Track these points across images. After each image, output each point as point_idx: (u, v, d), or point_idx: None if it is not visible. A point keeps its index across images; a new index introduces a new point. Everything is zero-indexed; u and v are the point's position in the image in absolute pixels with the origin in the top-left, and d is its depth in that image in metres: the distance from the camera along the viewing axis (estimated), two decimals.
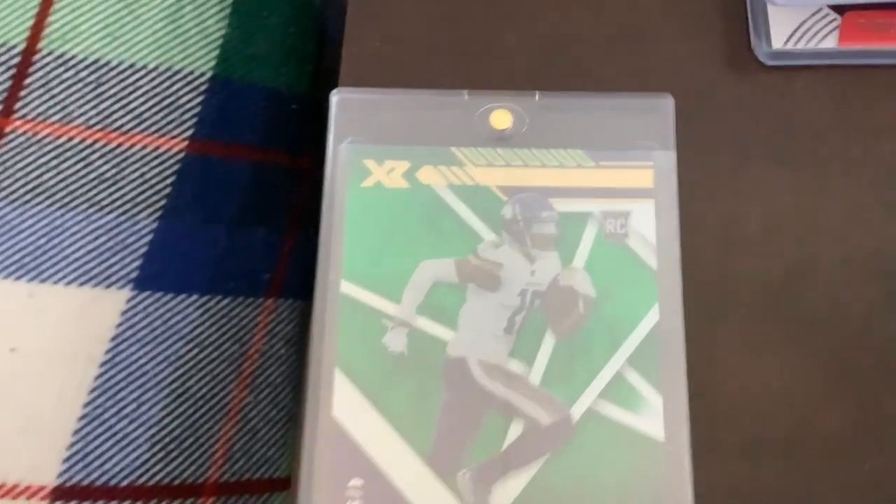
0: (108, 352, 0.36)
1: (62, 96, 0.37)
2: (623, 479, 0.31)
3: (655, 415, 0.31)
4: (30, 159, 0.36)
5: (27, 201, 0.36)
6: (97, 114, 0.37)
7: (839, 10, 0.37)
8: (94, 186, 0.37)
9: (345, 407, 0.31)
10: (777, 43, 0.36)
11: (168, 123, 0.38)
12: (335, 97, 0.35)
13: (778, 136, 0.37)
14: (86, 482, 0.35)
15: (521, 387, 0.32)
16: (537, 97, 0.35)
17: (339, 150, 0.34)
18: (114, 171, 0.37)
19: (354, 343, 0.32)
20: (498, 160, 0.34)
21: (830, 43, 0.36)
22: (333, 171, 0.34)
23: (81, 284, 0.36)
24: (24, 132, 0.36)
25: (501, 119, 0.34)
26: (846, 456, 0.34)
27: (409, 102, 0.35)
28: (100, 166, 0.37)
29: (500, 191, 0.34)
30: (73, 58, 0.37)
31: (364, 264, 0.33)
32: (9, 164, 0.36)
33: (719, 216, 0.36)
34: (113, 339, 0.36)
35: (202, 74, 0.39)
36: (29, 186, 0.36)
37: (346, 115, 0.34)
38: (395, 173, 0.34)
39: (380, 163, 0.34)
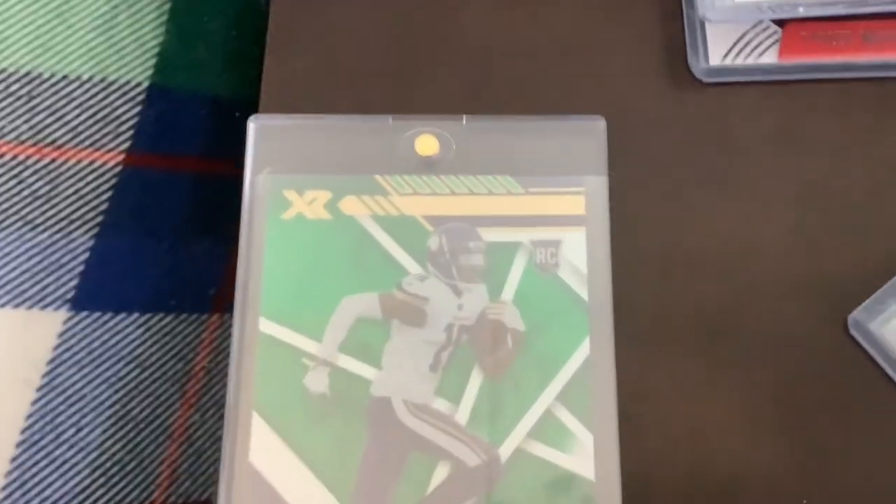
0: (44, 375, 0.35)
1: None
2: None
3: (586, 453, 0.30)
4: None
5: None
6: (29, 128, 0.36)
7: (780, 21, 0.35)
8: (28, 204, 0.36)
9: (262, 452, 0.30)
10: (715, 59, 0.35)
11: (104, 136, 0.37)
12: (252, 124, 0.33)
13: (715, 156, 0.35)
14: None
15: (448, 427, 0.31)
16: (464, 121, 0.33)
17: (257, 182, 0.33)
18: (48, 187, 0.36)
19: (273, 384, 0.31)
20: (424, 188, 0.33)
21: (771, 57, 0.35)
22: (252, 204, 0.32)
23: (16, 306, 0.35)
24: None
25: (427, 145, 0.33)
26: (786, 493, 0.32)
27: (330, 128, 0.33)
28: (33, 183, 0.36)
29: (426, 220, 0.32)
30: (2, 71, 0.36)
31: (284, 301, 0.32)
32: None
33: (655, 241, 0.35)
34: (50, 361, 0.35)
35: (139, 84, 0.38)
36: None
37: (264, 143, 0.33)
38: (317, 204, 0.33)
39: (300, 193, 0.33)
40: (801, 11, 0.34)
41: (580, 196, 0.33)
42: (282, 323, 0.31)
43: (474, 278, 0.32)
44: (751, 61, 0.35)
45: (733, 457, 0.33)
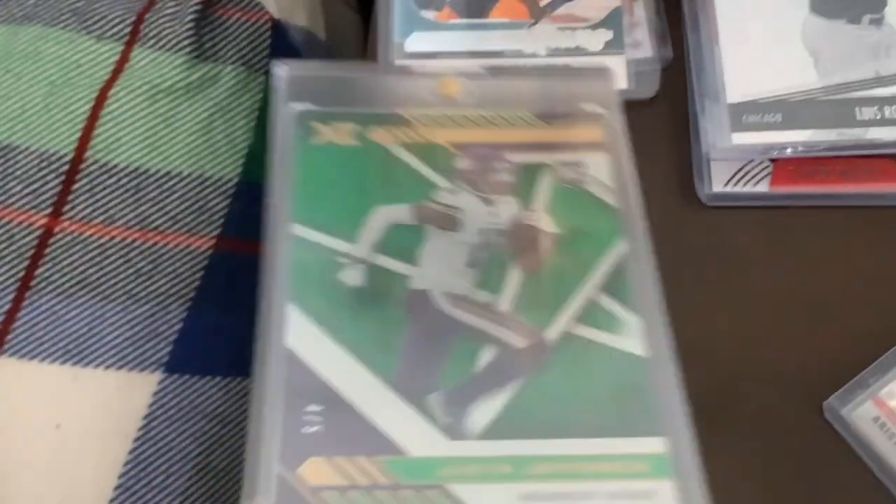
0: (140, 429, 0.39)
1: (105, 200, 0.41)
2: (610, 396, 0.28)
3: (634, 334, 0.29)
4: (75, 256, 0.40)
5: (72, 294, 0.39)
6: (136, 216, 0.41)
7: (772, 158, 0.40)
8: (132, 280, 0.40)
9: (299, 337, 0.29)
10: (717, 186, 0.40)
11: (199, 224, 0.42)
12: (281, 70, 0.35)
13: (715, 264, 0.39)
14: None
15: (492, 314, 0.30)
16: (484, 68, 0.35)
17: (284, 111, 0.34)
18: (149, 266, 0.40)
19: (308, 279, 0.30)
20: (447, 121, 0.34)
21: (764, 186, 0.40)
22: (280, 131, 0.33)
23: (119, 368, 0.39)
24: (71, 232, 0.40)
25: (450, 87, 0.35)
26: None
27: (356, 71, 0.35)
28: (137, 262, 0.40)
29: (452, 146, 0.33)
30: (115, 166, 0.41)
31: (317, 210, 0.31)
32: (57, 260, 0.40)
33: None
34: (145, 417, 0.39)
35: (230, 181, 0.42)
36: (74, 280, 0.40)
37: (293, 83, 0.34)
38: (345, 132, 0.33)
39: (328, 124, 0.33)
40: (789, 152, 0.39)
41: (598, 126, 0.34)
42: (316, 228, 0.31)
43: (504, 191, 0.32)
44: (748, 189, 0.40)
45: None
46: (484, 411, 0.28)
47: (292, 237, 0.31)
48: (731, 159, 0.40)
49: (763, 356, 0.38)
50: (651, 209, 0.36)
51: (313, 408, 0.27)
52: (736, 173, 0.40)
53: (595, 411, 0.28)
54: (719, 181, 0.40)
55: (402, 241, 0.31)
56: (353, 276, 0.30)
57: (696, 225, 0.40)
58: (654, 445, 0.27)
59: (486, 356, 0.29)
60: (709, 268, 0.39)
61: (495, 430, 0.27)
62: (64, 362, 0.39)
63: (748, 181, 0.40)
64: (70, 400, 0.39)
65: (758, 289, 0.39)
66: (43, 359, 0.39)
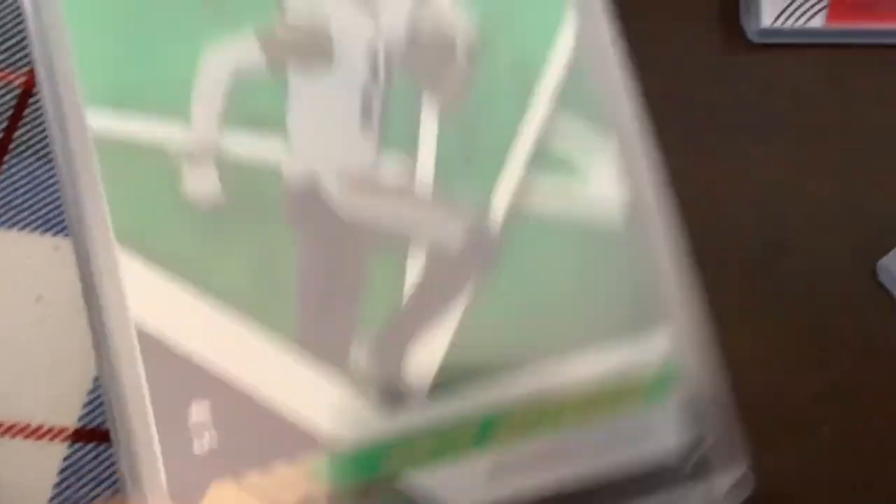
0: None
1: None
2: (586, 286, 0.21)
3: (608, 167, 0.21)
4: None
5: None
6: None
7: None
8: None
9: (147, 301, 0.20)
10: (766, 21, 0.37)
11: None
12: None
13: (763, 110, 0.37)
14: (105, 426, 0.36)
15: (408, 199, 0.21)
16: None
17: None
18: None
19: (136, 203, 0.20)
20: None
21: (818, 22, 0.37)
22: None
23: None
24: None
25: None
26: (809, 419, 0.34)
27: None
28: None
29: None
30: None
31: (116, 77, 0.21)
32: (37, 121, 0.38)
33: (704, 191, 0.36)
34: None
35: None
36: None
37: None
38: None
39: None
40: None
41: None
42: (122, 108, 0.20)
43: None
44: (800, 24, 0.37)
45: (762, 385, 0.34)
46: (424, 359, 0.20)
47: (92, 135, 0.20)
48: None
49: (816, 209, 0.36)
50: (691, 48, 0.38)
51: (198, 408, 0.20)
52: (787, 6, 0.37)
53: (571, 315, 0.21)
54: (769, 15, 0.37)
55: (255, 102, 0.21)
56: (203, 183, 0.21)
57: (742, 66, 0.38)
58: (656, 345, 0.21)
59: (412, 271, 0.21)
60: (756, 114, 0.37)
61: (443, 385, 0.20)
62: (45, 231, 0.38)
63: (801, 15, 0.37)
64: (51, 271, 0.37)
65: (811, 137, 0.37)
66: (22, 228, 0.38)
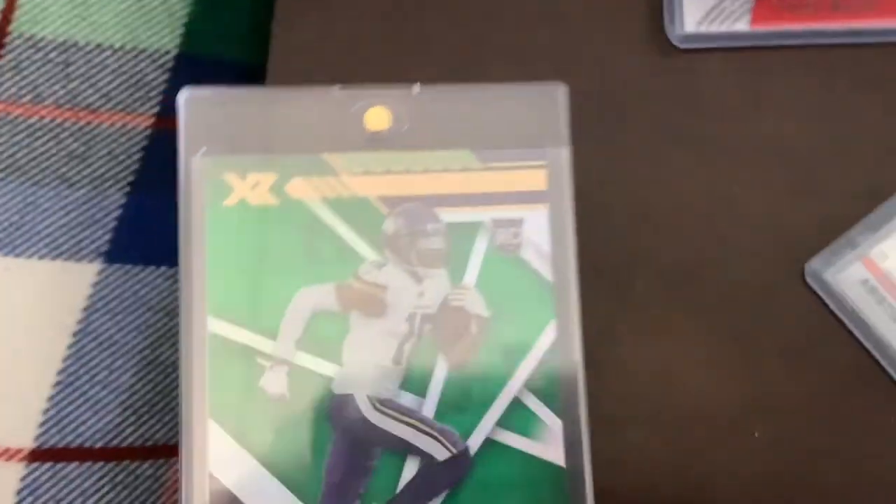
0: (79, 321, 0.38)
1: (32, 77, 0.38)
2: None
3: (555, 439, 0.30)
4: (3, 139, 0.38)
5: (1, 179, 0.37)
6: (66, 93, 0.38)
7: None
8: (65, 164, 0.38)
9: (223, 462, 0.29)
10: (690, 26, 0.35)
11: (135, 101, 0.39)
12: (183, 97, 0.30)
13: (688, 118, 0.36)
14: (61, 444, 0.37)
15: (415, 421, 0.30)
16: (415, 90, 0.31)
17: (192, 164, 0.30)
18: (83, 147, 0.39)
19: (228, 389, 0.29)
20: (376, 166, 0.30)
21: (743, 25, 0.35)
22: (188, 189, 0.30)
23: (54, 258, 0.38)
24: None
25: (378, 118, 0.30)
26: (741, 426, 0.34)
27: (271, 101, 0.30)
28: (69, 144, 0.38)
29: (380, 202, 0.30)
30: (41, 39, 0.38)
31: (233, 297, 0.29)
32: None
33: (627, 196, 0.36)
34: (84, 309, 0.38)
35: (167, 52, 0.40)
36: (2, 165, 0.37)
37: (198, 119, 0.30)
38: (261, 188, 0.30)
39: (242, 177, 0.30)
40: None
41: (542, 170, 0.31)
42: (232, 321, 0.29)
43: (434, 263, 0.30)
44: (724, 28, 0.35)
45: (695, 395, 0.34)
46: None
47: (208, 335, 0.29)
48: None
49: (740, 217, 0.36)
50: (616, 55, 0.36)
51: None
52: (711, 10, 0.36)
53: None
54: (692, 20, 0.36)
55: (324, 333, 0.30)
56: (275, 383, 0.29)
57: (666, 73, 0.37)
58: None
59: (409, 471, 0.30)
60: (681, 122, 0.36)
61: None
62: None
63: (725, 19, 0.36)
64: (2, 292, 0.37)
65: (734, 142, 0.36)
66: None
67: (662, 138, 0.36)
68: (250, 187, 0.30)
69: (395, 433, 0.30)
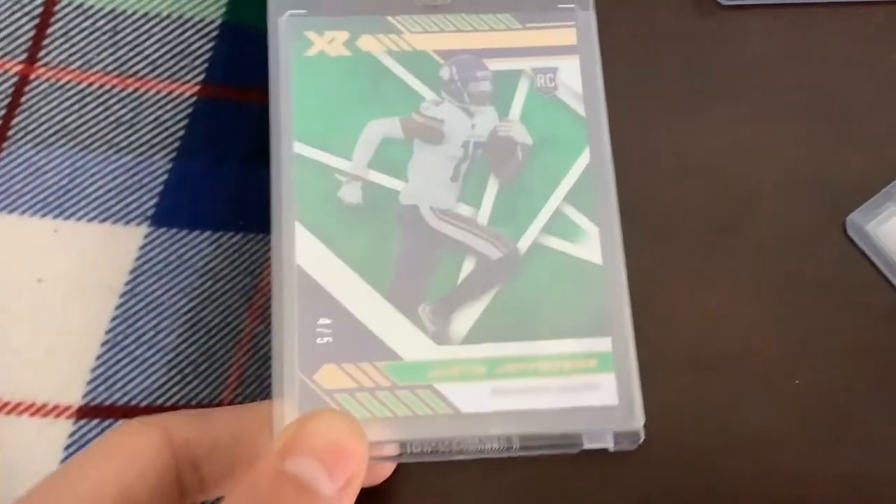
0: (127, 283, 0.38)
1: (82, 44, 0.39)
2: (569, 301, 0.34)
3: (593, 243, 0.34)
4: (53, 104, 0.39)
5: (51, 143, 0.38)
6: (114, 60, 0.39)
7: None
8: (113, 129, 0.39)
9: (308, 255, 0.33)
10: None
11: (181, 69, 0.40)
12: None
13: (730, 72, 0.38)
14: (108, 402, 0.37)
15: (471, 227, 0.34)
16: None
17: (279, 23, 0.36)
18: (130, 114, 0.39)
19: (311, 198, 0.34)
20: (433, 26, 0.36)
21: None
22: (276, 42, 0.36)
23: (102, 221, 0.39)
24: (48, 79, 0.39)
25: None
26: (780, 373, 0.35)
27: None
28: (118, 110, 0.39)
29: (436, 54, 0.36)
30: (90, 7, 0.39)
31: (314, 126, 0.35)
32: (34, 108, 0.38)
33: (670, 147, 0.38)
34: (132, 271, 0.39)
35: (212, 22, 0.41)
36: (53, 130, 0.38)
37: None
38: (336, 42, 0.36)
39: (320, 34, 0.36)
40: None
41: (571, 29, 0.37)
42: (314, 145, 0.35)
43: (484, 102, 0.36)
44: None
45: (736, 339, 0.36)
46: (464, 319, 0.33)
47: (294, 156, 0.35)
48: None
49: (782, 169, 0.36)
50: (661, 15, 0.38)
51: (324, 321, 0.33)
52: None
53: (556, 315, 0.34)
54: None
55: (391, 156, 0.35)
56: (351, 194, 0.34)
57: (709, 28, 0.38)
58: (602, 345, 0.33)
59: (466, 268, 0.34)
60: (724, 77, 0.37)
61: (473, 336, 0.33)
62: (44, 215, 0.38)
63: None
64: (51, 253, 0.38)
65: (777, 98, 0.37)
66: (23, 212, 0.38)
67: (705, 92, 0.38)
68: (327, 42, 0.36)
69: (454, 237, 0.34)
